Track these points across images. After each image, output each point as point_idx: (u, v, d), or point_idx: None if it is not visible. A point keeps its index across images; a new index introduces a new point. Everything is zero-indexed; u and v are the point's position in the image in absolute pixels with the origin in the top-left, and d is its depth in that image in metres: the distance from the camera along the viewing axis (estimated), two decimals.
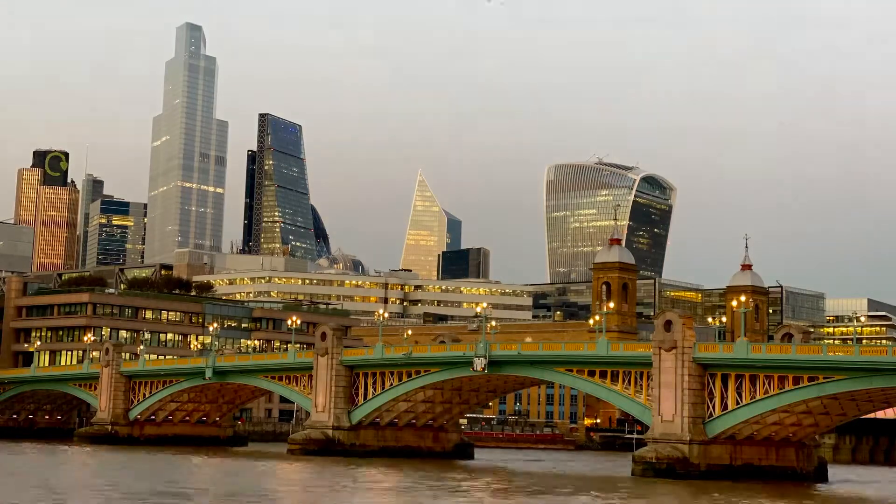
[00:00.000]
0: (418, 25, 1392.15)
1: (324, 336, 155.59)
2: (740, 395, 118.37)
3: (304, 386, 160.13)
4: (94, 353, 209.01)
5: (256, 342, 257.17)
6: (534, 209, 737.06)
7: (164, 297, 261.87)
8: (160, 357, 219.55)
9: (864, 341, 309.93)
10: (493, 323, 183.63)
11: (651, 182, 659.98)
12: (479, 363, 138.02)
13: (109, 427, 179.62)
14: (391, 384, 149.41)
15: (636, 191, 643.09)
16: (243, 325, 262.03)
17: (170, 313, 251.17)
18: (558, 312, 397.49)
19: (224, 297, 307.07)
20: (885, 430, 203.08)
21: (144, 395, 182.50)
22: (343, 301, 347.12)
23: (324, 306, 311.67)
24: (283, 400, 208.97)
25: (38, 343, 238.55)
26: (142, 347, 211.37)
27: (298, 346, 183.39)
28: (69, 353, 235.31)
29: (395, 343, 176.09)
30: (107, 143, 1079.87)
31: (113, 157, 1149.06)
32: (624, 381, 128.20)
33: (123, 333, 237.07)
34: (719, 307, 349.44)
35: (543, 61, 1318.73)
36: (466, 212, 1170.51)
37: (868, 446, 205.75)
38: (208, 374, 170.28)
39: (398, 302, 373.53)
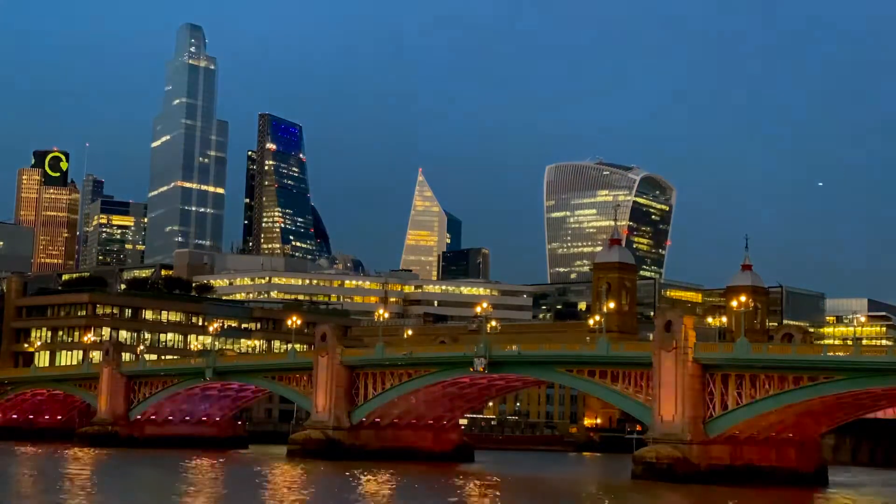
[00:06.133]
0: (419, 26, 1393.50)
1: (324, 336, 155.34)
2: (740, 396, 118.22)
3: (304, 386, 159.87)
4: (94, 353, 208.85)
5: (256, 342, 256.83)
6: (534, 209, 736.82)
7: (164, 298, 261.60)
8: (160, 357, 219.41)
9: (863, 341, 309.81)
10: (494, 323, 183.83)
11: (651, 182, 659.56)
12: (480, 363, 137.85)
13: (110, 427, 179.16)
14: (391, 384, 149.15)
15: (636, 191, 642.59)
16: (243, 326, 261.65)
17: (170, 313, 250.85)
18: (558, 312, 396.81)
19: (224, 298, 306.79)
20: (886, 431, 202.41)
21: (145, 395, 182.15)
22: (343, 301, 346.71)
23: (324, 306, 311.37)
24: (283, 400, 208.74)
25: (38, 343, 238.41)
26: (142, 348, 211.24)
27: (298, 346, 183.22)
28: (69, 353, 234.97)
29: (395, 343, 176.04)
30: (107, 143, 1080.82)
31: (113, 157, 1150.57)
32: (624, 381, 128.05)
33: (124, 333, 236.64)
34: (719, 307, 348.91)
35: (544, 61, 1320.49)
36: (466, 212, 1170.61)
37: (868, 447, 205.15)
38: (209, 374, 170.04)
39: (398, 302, 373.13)
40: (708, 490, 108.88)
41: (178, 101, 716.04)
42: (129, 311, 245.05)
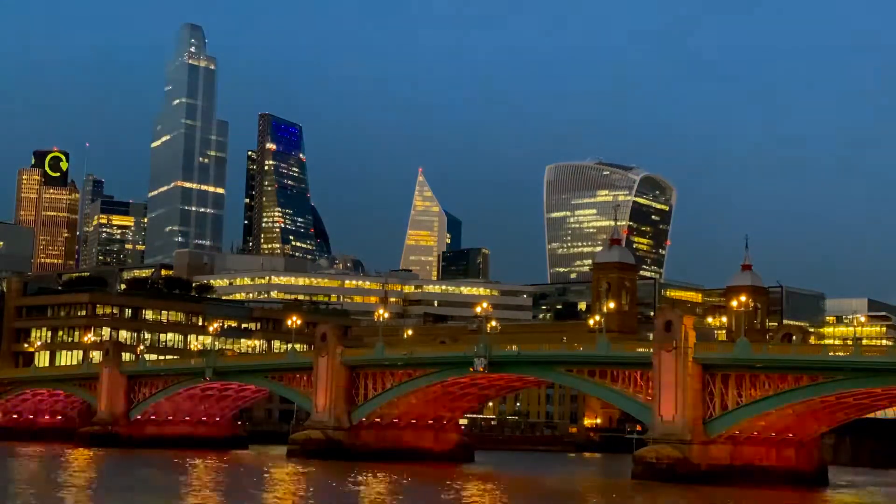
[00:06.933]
0: (418, 26, 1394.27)
1: (324, 336, 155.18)
2: (741, 396, 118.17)
3: (304, 386, 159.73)
4: (94, 353, 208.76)
5: (256, 342, 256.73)
6: (534, 209, 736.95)
7: (164, 298, 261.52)
8: (160, 357, 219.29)
9: (863, 341, 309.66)
10: (494, 323, 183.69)
11: (651, 182, 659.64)
12: (480, 363, 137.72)
13: (110, 427, 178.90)
14: (392, 384, 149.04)
15: (636, 191, 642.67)
16: (243, 325, 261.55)
17: (170, 313, 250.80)
18: (558, 312, 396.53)
19: (224, 298, 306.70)
20: (886, 431, 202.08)
21: (145, 395, 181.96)
22: (343, 301, 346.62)
23: (324, 306, 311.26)
24: (284, 400, 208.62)
25: (38, 343, 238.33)
26: (142, 347, 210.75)
27: (298, 346, 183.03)
28: (69, 353, 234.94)
29: (395, 343, 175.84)
30: (107, 143, 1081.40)
31: (113, 157, 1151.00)
32: (624, 381, 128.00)
33: (124, 333, 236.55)
34: (719, 307, 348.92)
35: (544, 61, 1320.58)
36: (466, 212, 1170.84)
37: (868, 447, 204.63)
38: (208, 374, 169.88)
39: (398, 302, 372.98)
40: (708, 490, 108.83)
41: (178, 101, 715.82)
42: (129, 311, 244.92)
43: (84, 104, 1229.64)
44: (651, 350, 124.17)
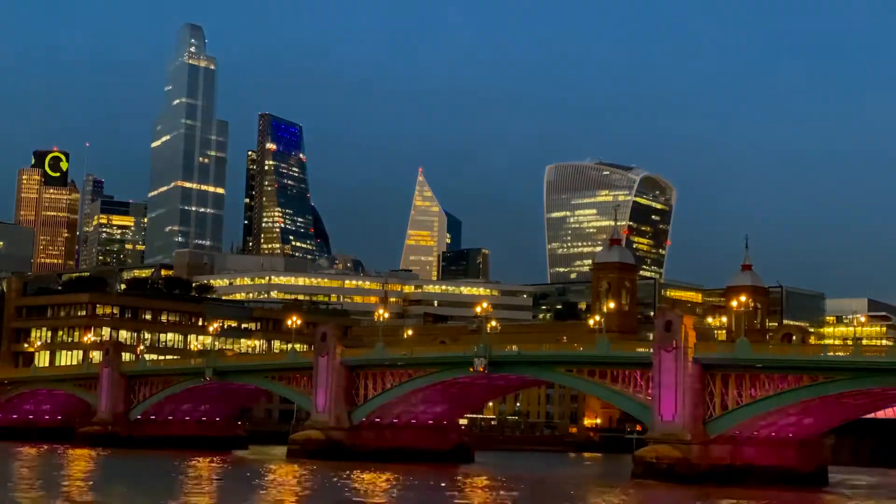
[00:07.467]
0: (419, 27, 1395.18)
1: (324, 336, 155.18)
2: (741, 396, 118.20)
3: (304, 386, 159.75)
4: (94, 353, 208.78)
5: (256, 342, 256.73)
6: (534, 209, 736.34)
7: (164, 298, 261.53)
8: (160, 357, 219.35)
9: (863, 341, 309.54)
10: (494, 323, 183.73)
11: (651, 182, 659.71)
12: (480, 364, 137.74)
13: (110, 427, 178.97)
14: (392, 384, 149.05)
15: (636, 191, 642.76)
16: (243, 326, 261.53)
17: (170, 313, 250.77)
18: (558, 312, 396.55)
19: (224, 298, 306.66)
20: (886, 431, 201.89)
21: (145, 395, 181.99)
22: (343, 301, 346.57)
23: (324, 306, 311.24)
24: (284, 400, 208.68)
25: (38, 343, 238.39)
26: (142, 347, 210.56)
27: (298, 346, 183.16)
28: (69, 353, 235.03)
29: (395, 343, 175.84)
30: (107, 143, 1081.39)
31: (113, 157, 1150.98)
32: (624, 381, 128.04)
33: (124, 333, 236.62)
34: (719, 307, 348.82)
35: (544, 62, 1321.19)
36: (466, 212, 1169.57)
37: (868, 447, 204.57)
38: (208, 374, 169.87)
39: (398, 302, 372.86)
40: (708, 490, 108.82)
41: (178, 101, 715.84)
42: (129, 311, 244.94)
43: (84, 104, 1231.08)
44: (651, 350, 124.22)
